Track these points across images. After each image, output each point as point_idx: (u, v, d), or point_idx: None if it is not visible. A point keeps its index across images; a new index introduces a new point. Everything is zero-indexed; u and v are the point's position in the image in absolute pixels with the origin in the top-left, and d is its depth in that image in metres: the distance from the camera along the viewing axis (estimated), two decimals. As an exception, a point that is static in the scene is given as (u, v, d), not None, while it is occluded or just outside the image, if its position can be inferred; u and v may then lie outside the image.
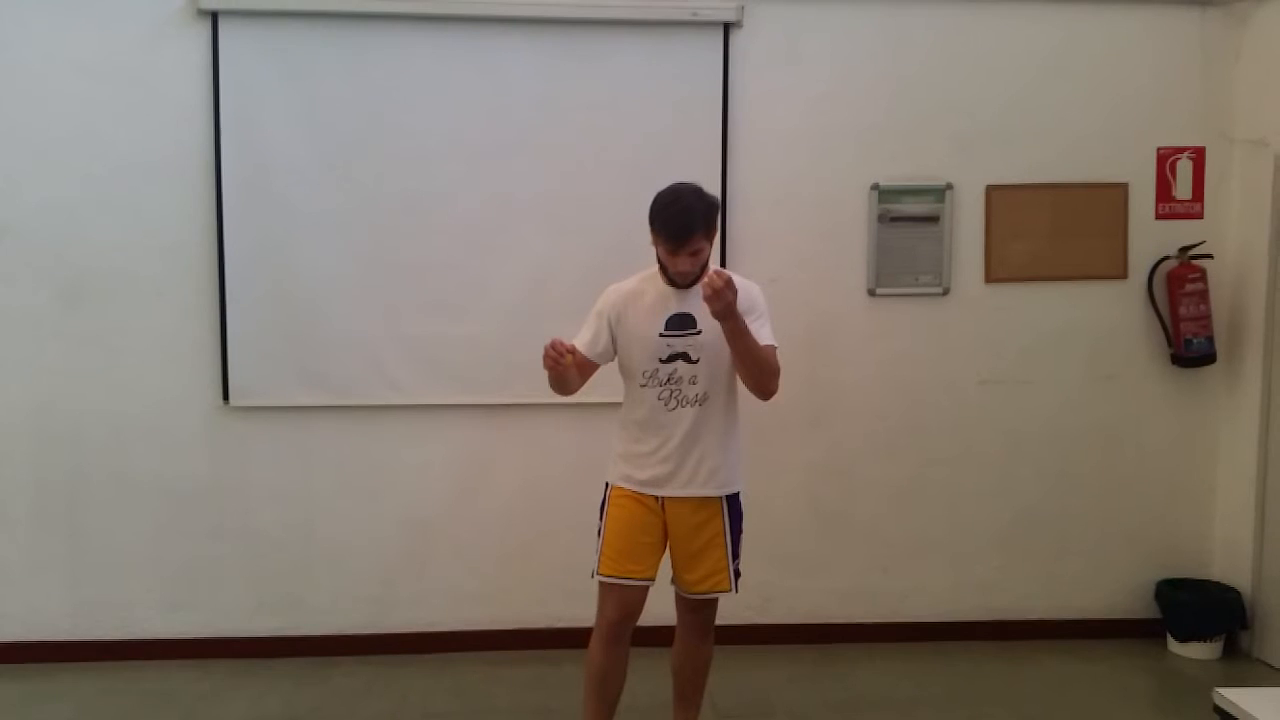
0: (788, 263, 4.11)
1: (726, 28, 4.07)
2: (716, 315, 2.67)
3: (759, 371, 2.82)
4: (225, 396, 4.04)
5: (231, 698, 3.79)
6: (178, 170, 3.98)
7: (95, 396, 4.02)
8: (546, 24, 4.02)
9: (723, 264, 4.05)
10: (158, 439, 4.06)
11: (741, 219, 4.14)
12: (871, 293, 4.24)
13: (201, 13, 3.91)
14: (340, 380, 4.07)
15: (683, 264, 2.80)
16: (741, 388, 2.95)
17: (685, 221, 2.75)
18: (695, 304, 2.84)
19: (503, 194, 4.06)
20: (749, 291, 2.87)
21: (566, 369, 2.80)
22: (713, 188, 4.02)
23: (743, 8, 4.07)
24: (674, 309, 2.88)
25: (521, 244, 4.08)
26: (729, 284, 2.61)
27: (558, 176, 4.07)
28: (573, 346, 2.83)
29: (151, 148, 3.97)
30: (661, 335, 2.87)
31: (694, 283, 2.83)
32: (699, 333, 2.86)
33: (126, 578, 4.09)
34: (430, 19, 3.98)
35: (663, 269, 2.88)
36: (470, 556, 4.18)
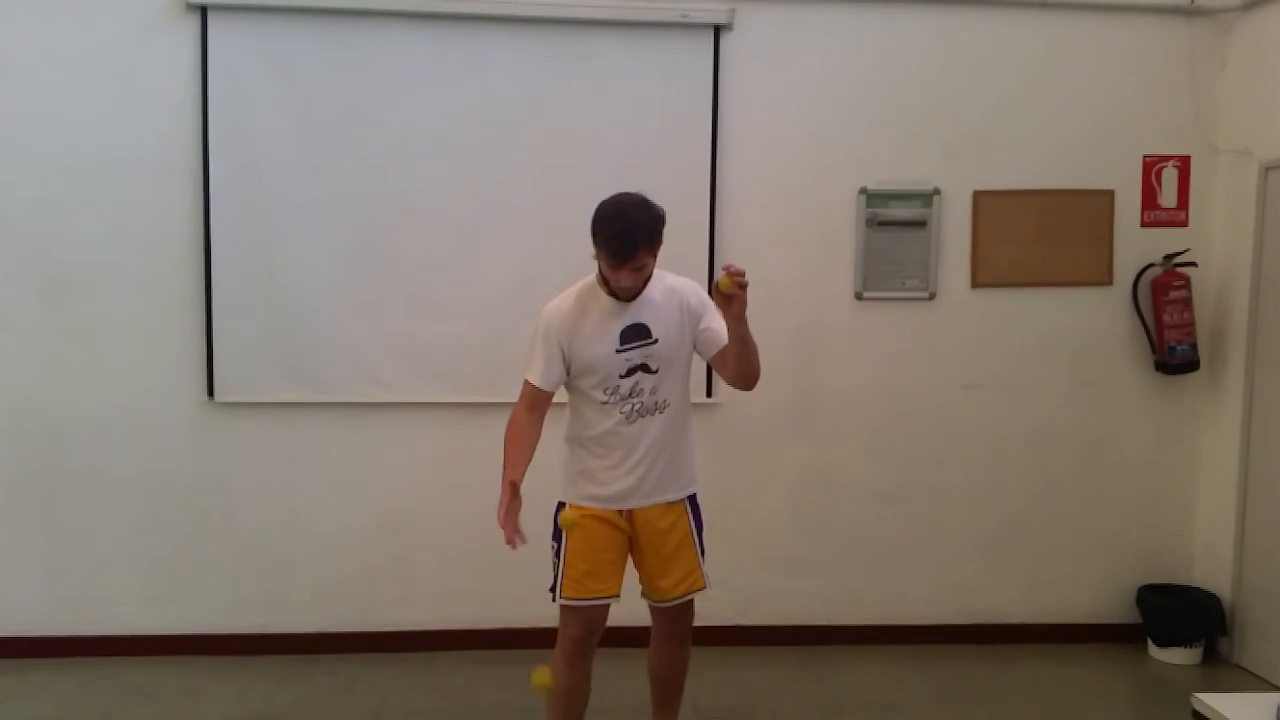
0: (776, 265, 4.11)
1: (717, 30, 4.08)
2: (737, 312, 2.56)
3: (754, 358, 2.71)
4: (210, 392, 4.03)
5: (212, 694, 3.78)
6: (165, 165, 3.97)
7: (78, 391, 4.00)
8: (536, 23, 4.02)
9: (711, 266, 4.06)
10: (141, 434, 4.04)
11: (730, 221, 4.15)
12: (859, 296, 4.25)
13: (190, 7, 3.90)
14: (325, 377, 4.06)
15: (625, 279, 2.67)
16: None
17: (630, 237, 2.61)
18: (645, 312, 2.77)
19: (490, 193, 4.06)
20: (696, 291, 2.83)
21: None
22: (701, 190, 4.09)
23: (733, 10, 4.08)
24: (625, 321, 2.76)
25: (508, 243, 4.07)
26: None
27: (545, 176, 4.06)
28: (518, 532, 2.74)
29: (138, 142, 3.95)
30: (619, 351, 2.75)
31: (636, 296, 2.75)
32: (655, 341, 2.77)
33: (107, 573, 4.07)
34: (419, 16, 3.98)
35: (603, 280, 2.75)
36: (453, 555, 4.17)
